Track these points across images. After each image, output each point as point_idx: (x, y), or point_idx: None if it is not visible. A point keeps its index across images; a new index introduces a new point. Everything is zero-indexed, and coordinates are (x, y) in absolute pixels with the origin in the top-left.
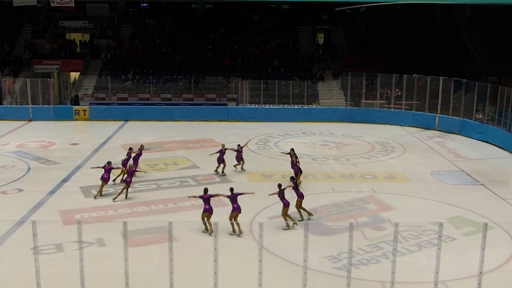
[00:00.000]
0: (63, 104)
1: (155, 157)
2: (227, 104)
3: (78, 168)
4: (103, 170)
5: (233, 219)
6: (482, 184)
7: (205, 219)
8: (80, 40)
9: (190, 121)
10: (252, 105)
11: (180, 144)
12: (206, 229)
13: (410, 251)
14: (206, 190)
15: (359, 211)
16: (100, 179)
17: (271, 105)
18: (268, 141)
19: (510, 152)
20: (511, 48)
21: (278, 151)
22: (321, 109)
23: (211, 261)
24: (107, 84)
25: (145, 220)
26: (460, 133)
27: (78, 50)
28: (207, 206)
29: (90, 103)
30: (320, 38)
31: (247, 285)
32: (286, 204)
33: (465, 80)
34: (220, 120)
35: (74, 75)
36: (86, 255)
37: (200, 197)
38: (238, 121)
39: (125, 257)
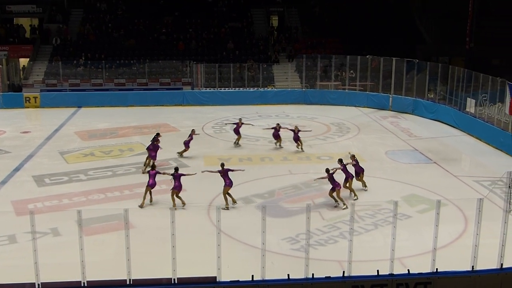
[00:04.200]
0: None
1: (110, 143)
2: (182, 88)
3: (30, 156)
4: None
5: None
6: (435, 162)
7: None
8: (29, 25)
9: (145, 106)
10: (208, 89)
11: (135, 129)
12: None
13: (367, 230)
14: (154, 166)
15: (316, 192)
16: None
17: (227, 88)
18: (224, 124)
19: (461, 130)
20: (461, 28)
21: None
22: (276, 91)
23: (169, 247)
24: (58, 70)
25: (101, 208)
26: (413, 112)
27: (27, 35)
28: (151, 181)
29: (41, 89)
30: (275, 21)
31: (206, 270)
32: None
33: (417, 61)
34: (175, 105)
35: (24, 61)
36: (40, 245)
37: (148, 172)
38: (193, 105)
39: (80, 246)
